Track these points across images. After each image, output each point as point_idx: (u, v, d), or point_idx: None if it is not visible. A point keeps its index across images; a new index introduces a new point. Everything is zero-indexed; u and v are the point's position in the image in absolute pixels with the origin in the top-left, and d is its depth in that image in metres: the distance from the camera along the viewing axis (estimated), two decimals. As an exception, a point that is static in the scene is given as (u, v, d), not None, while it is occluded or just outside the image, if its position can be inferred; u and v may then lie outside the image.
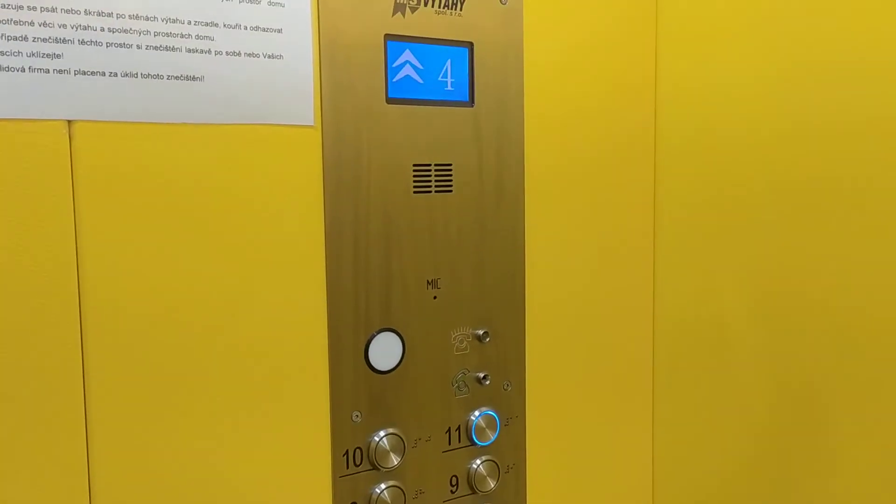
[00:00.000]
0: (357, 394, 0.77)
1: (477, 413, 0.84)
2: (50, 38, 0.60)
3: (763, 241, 0.85)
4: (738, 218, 0.87)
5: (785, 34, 0.81)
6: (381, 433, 0.79)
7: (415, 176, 0.79)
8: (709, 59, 0.89)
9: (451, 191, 0.81)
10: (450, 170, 0.81)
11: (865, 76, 0.75)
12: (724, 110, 0.88)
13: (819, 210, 0.79)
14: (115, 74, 0.63)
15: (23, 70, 0.59)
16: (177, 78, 0.65)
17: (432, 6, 0.78)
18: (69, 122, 0.62)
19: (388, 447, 0.78)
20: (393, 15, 0.76)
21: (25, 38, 0.59)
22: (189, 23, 0.66)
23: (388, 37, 0.76)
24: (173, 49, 0.65)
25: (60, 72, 0.61)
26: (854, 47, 0.76)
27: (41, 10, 0.60)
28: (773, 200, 0.83)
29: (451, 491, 0.84)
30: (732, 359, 0.89)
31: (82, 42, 0.61)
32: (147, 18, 0.64)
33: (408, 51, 0.78)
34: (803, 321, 0.82)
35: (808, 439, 0.83)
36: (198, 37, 0.66)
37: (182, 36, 0.65)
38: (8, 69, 0.59)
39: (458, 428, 0.84)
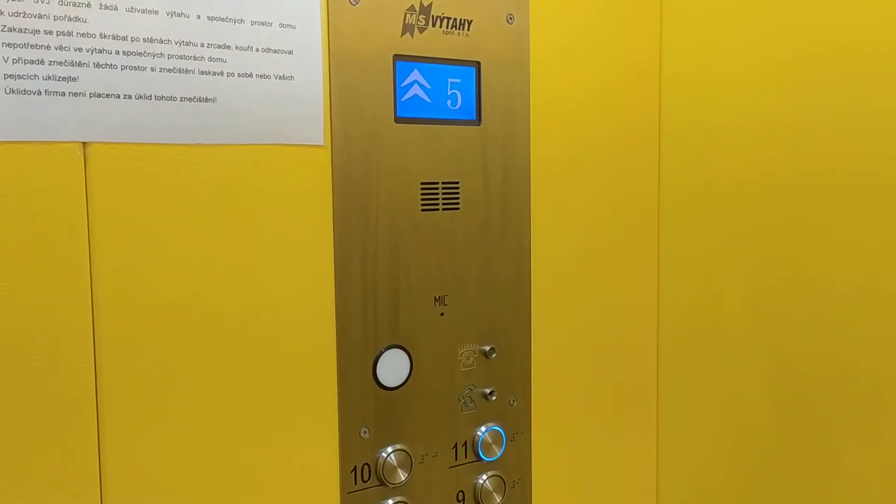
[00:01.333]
0: (365, 410, 0.78)
1: (483, 428, 0.85)
2: (66, 61, 0.61)
3: (769, 242, 0.85)
4: (743, 220, 0.88)
5: (790, 27, 0.82)
6: (389, 449, 0.79)
7: (422, 194, 0.80)
8: (714, 79, 0.90)
9: (458, 208, 0.82)
10: (457, 187, 0.82)
11: (872, 70, 0.75)
12: (728, 126, 0.89)
13: (826, 205, 0.79)
14: (130, 96, 0.64)
15: (39, 93, 0.60)
16: (190, 100, 0.66)
17: (440, 26, 0.79)
18: (84, 143, 0.62)
19: (395, 463, 0.79)
20: (401, 35, 0.77)
21: (42, 62, 0.60)
22: (202, 45, 0.66)
23: (396, 57, 0.77)
24: (186, 71, 0.66)
25: (76, 94, 0.62)
26: (860, 41, 0.76)
27: (57, 34, 0.61)
28: (781, 199, 0.83)
29: (458, 506, 0.84)
30: (737, 371, 0.90)
31: (97, 65, 0.62)
32: (161, 41, 0.65)
33: (416, 71, 0.78)
34: (808, 322, 0.82)
35: (811, 442, 0.83)
36: (210, 59, 0.67)
37: (195, 58, 0.66)
38: (24, 92, 0.60)
39: (465, 443, 0.84)
